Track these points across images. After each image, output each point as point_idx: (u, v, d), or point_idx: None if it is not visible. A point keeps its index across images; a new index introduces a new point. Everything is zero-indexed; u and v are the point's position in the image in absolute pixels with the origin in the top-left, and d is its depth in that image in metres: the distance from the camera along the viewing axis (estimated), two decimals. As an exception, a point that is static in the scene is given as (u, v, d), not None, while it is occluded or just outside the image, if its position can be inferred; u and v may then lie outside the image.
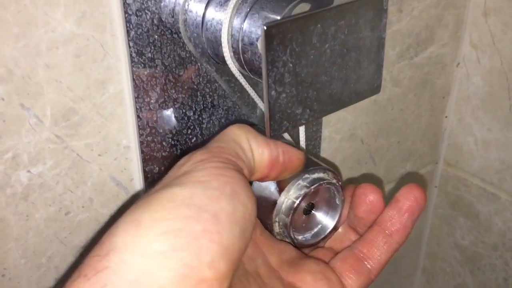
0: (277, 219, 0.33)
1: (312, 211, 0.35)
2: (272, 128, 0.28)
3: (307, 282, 0.31)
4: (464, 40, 0.54)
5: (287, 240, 0.34)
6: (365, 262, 0.33)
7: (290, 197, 0.33)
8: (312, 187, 0.33)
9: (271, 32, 0.26)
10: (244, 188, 0.26)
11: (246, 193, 0.26)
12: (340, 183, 0.35)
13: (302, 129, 0.38)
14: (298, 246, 0.35)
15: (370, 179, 0.55)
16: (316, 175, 0.34)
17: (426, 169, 0.61)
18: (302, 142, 0.38)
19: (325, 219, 0.36)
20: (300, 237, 0.35)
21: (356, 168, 0.53)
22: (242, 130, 0.30)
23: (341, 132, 0.49)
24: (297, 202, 0.32)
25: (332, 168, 0.35)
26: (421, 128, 0.57)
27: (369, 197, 0.33)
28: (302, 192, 0.32)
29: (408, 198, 0.33)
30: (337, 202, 0.35)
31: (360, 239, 0.34)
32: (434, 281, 0.68)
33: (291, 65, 0.27)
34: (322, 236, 0.36)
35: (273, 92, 0.27)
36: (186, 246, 0.23)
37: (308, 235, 0.36)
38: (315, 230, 0.36)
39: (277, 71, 0.27)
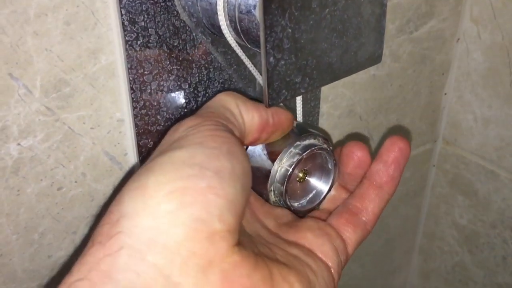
0: (272, 188, 0.33)
1: (306, 177, 0.35)
2: (270, 97, 0.27)
3: (308, 239, 0.31)
4: (465, 14, 0.53)
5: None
6: (360, 215, 0.34)
7: (283, 165, 0.33)
8: (304, 153, 0.33)
9: (269, -5, 0.24)
10: (239, 147, 0.27)
11: (242, 152, 0.27)
12: (331, 147, 0.35)
13: (299, 102, 0.37)
14: (294, 212, 0.35)
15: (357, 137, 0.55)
16: (307, 142, 0.34)
17: (424, 147, 0.61)
18: (299, 115, 0.38)
19: (319, 184, 0.36)
20: (296, 204, 0.36)
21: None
22: (230, 96, 0.31)
23: (340, 108, 0.49)
24: (291, 169, 0.32)
25: (323, 134, 0.35)
26: (420, 105, 0.56)
27: (357, 153, 0.34)
28: (295, 159, 0.33)
29: (392, 149, 0.34)
30: (330, 166, 0.36)
31: (352, 195, 0.35)
32: (431, 260, 0.68)
33: (290, 30, 0.26)
34: (318, 201, 0.36)
35: (271, 59, 0.26)
36: (194, 202, 0.23)
37: (303, 201, 0.36)
38: (310, 195, 0.36)
39: (275, 36, 0.26)
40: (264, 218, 0.33)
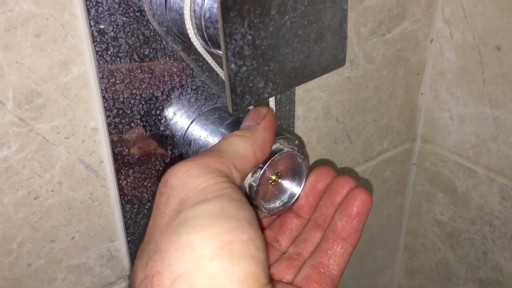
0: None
1: (279, 180, 0.36)
2: (234, 102, 0.28)
3: None
4: (437, 15, 0.54)
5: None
6: (327, 272, 0.35)
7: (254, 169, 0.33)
8: (276, 156, 0.34)
9: (227, 4, 0.25)
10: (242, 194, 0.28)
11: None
12: (302, 150, 0.36)
13: (272, 105, 0.38)
14: (268, 213, 0.36)
15: (333, 138, 0.56)
16: (278, 145, 0.34)
17: (404, 147, 0.62)
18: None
19: (292, 187, 0.37)
20: (269, 206, 0.36)
21: (332, 147, 0.53)
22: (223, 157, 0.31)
23: (316, 111, 0.49)
24: (262, 171, 0.33)
25: (296, 138, 0.36)
26: (397, 105, 0.57)
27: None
28: (268, 160, 0.33)
29: (355, 202, 0.35)
30: (302, 169, 0.36)
31: (318, 249, 0.36)
32: (415, 257, 0.69)
33: (250, 37, 0.27)
34: (290, 203, 0.37)
35: (232, 66, 0.27)
36: (243, 256, 0.25)
37: (276, 203, 0.37)
38: (283, 198, 0.37)
39: (235, 44, 0.27)
40: None
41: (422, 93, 0.59)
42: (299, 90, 0.47)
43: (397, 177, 0.63)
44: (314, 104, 0.49)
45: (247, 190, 0.34)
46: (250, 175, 0.33)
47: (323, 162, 0.53)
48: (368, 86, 0.53)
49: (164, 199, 0.27)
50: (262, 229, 0.38)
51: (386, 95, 0.55)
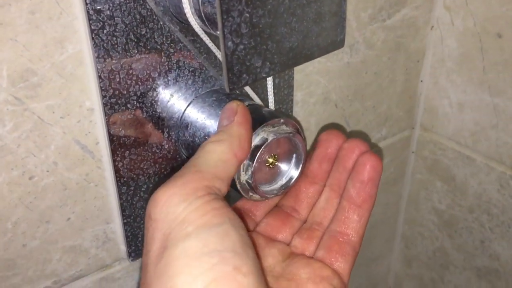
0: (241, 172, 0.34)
1: (277, 163, 0.36)
2: (230, 81, 0.28)
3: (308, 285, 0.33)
4: (438, 2, 0.54)
5: (252, 193, 0.35)
6: (347, 240, 0.36)
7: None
8: (273, 138, 0.33)
9: (224, -21, 0.25)
10: (233, 213, 0.28)
11: (236, 216, 0.28)
12: (301, 132, 0.36)
13: (270, 89, 0.38)
14: (265, 197, 0.36)
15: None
16: (263, 134, 0.34)
17: (403, 134, 0.61)
18: (271, 103, 0.38)
19: (289, 169, 0.37)
20: (266, 189, 0.36)
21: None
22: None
23: (315, 96, 0.49)
24: (261, 149, 0.33)
25: (291, 119, 0.36)
26: (396, 92, 0.57)
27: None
28: (265, 142, 0.33)
29: (366, 168, 0.35)
30: (300, 150, 0.36)
31: (334, 220, 0.37)
32: (413, 246, 0.68)
33: (247, 15, 0.27)
34: (288, 186, 0.37)
35: (229, 43, 0.27)
36: None
37: (275, 186, 0.37)
38: (281, 181, 0.37)
39: (233, 21, 0.26)
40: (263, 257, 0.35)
41: (421, 81, 0.58)
42: (298, 75, 0.46)
43: (395, 165, 0.63)
44: (313, 88, 0.49)
45: (246, 186, 0.34)
46: (243, 172, 0.33)
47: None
48: (367, 72, 0.52)
49: (150, 234, 0.28)
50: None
51: (385, 82, 0.55)
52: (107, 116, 0.35)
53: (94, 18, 0.32)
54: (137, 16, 0.34)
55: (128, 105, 0.36)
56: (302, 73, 0.47)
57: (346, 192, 0.36)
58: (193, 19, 0.33)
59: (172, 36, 0.36)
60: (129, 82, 0.35)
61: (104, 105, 0.35)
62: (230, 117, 0.32)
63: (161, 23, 0.35)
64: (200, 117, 0.38)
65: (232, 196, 0.36)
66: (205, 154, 0.30)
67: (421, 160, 0.63)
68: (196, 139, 0.37)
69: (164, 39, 0.36)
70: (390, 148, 0.61)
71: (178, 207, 0.27)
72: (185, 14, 0.32)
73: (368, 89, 0.54)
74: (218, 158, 0.30)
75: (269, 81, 0.36)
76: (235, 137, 0.31)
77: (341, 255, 0.35)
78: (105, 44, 0.33)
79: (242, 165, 0.33)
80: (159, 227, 0.27)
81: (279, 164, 0.36)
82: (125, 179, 0.38)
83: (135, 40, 0.34)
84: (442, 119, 0.58)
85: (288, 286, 0.33)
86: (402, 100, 0.58)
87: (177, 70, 0.37)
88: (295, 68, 0.45)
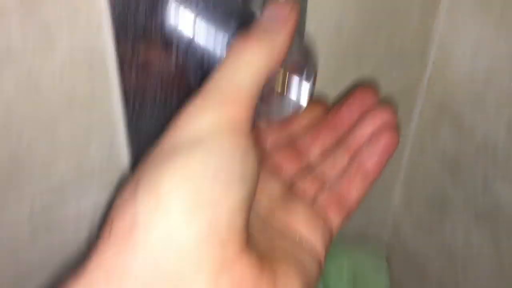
0: None
1: (285, 90, 0.35)
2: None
3: (301, 231, 0.33)
4: None
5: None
6: (346, 200, 0.36)
7: None
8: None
9: None
10: (253, 149, 0.27)
11: (254, 154, 0.27)
12: (311, 55, 0.35)
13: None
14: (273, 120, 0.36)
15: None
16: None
17: (414, 72, 0.60)
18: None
19: (298, 95, 0.36)
20: (276, 115, 0.36)
21: (341, 67, 0.52)
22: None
23: (327, 24, 0.48)
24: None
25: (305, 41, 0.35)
26: (410, 28, 0.55)
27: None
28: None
29: (382, 142, 0.36)
30: (310, 73, 0.35)
31: (341, 179, 0.37)
32: (414, 188, 0.69)
33: None
34: (297, 111, 0.36)
35: None
36: (207, 205, 0.24)
37: (280, 114, 0.36)
38: (289, 106, 0.36)
39: None
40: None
41: (437, 18, 0.57)
42: (311, 2, 0.45)
43: (403, 104, 0.63)
44: (326, 16, 0.47)
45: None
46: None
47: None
48: (383, 2, 0.51)
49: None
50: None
51: (401, 15, 0.53)
52: (115, 24, 0.35)
53: None
54: None
55: (137, 14, 0.35)
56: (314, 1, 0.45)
57: (360, 156, 0.36)
58: None
59: None
60: (138, -10, 0.34)
61: (112, 13, 0.34)
62: (279, 20, 0.28)
63: None
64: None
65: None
66: (238, 63, 0.28)
67: (430, 100, 0.62)
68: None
69: None
70: (400, 85, 0.60)
71: (200, 123, 0.27)
72: None
73: (383, 22, 0.52)
74: (254, 65, 0.27)
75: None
76: (277, 46, 0.28)
77: (338, 208, 0.36)
78: None
79: None
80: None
81: (288, 94, 0.35)
82: (131, 94, 0.38)
83: None
84: (456, 59, 0.57)
85: (279, 218, 0.33)
86: (417, 37, 0.57)
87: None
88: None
